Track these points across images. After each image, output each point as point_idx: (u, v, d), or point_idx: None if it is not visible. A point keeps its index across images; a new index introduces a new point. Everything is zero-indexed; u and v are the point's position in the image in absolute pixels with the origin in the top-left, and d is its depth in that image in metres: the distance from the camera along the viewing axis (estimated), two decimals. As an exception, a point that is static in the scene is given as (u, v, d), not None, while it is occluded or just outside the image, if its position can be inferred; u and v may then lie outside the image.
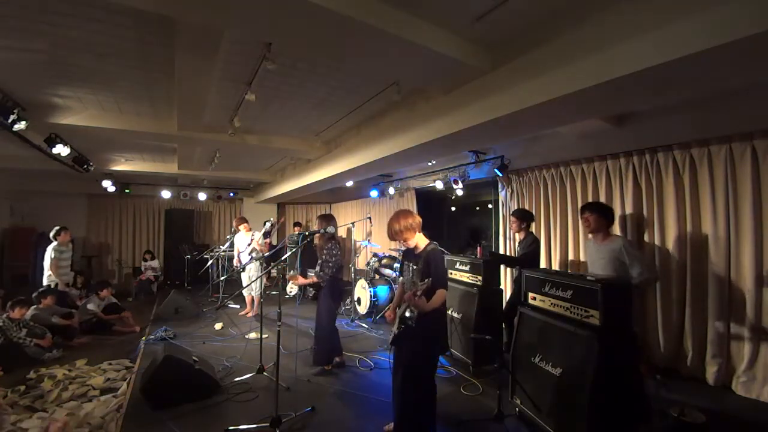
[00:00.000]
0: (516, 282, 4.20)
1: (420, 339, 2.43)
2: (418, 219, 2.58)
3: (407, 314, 2.45)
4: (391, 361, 2.66)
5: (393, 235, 2.56)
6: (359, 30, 2.39)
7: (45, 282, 5.48)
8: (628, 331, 2.42)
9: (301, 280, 4.18)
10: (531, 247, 4.06)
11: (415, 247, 2.58)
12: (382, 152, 4.71)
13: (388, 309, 2.77)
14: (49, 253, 5.52)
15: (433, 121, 3.80)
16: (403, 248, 2.75)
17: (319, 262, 3.97)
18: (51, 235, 5.70)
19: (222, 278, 7.33)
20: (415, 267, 2.50)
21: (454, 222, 8.09)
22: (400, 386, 2.49)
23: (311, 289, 4.15)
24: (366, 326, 5.62)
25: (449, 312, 4.21)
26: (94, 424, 2.93)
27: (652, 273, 3.26)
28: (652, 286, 3.74)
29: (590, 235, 3.53)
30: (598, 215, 3.29)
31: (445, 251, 4.47)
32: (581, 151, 4.55)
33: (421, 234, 2.61)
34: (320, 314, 3.98)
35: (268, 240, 6.37)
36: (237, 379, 3.70)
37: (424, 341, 2.44)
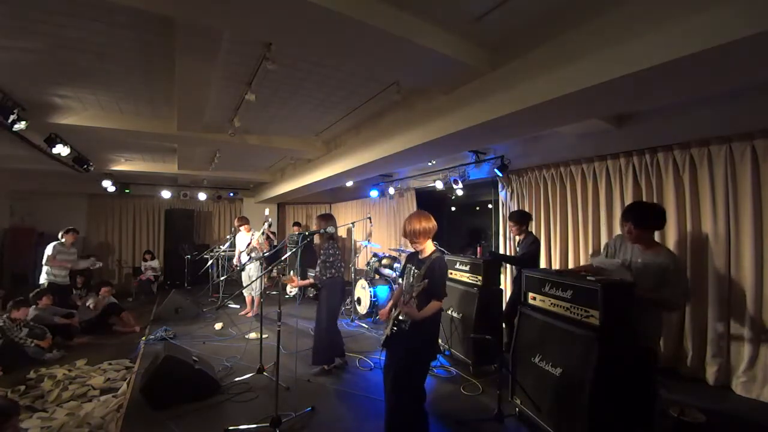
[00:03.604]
0: (516, 282, 4.20)
1: (412, 343, 2.41)
2: (435, 225, 2.55)
3: (401, 317, 2.44)
4: (383, 361, 2.65)
5: (410, 233, 2.51)
6: (359, 30, 2.39)
7: (42, 280, 5.47)
8: (628, 331, 2.42)
9: (298, 282, 4.22)
10: (531, 248, 4.05)
11: (422, 252, 2.57)
12: (382, 152, 4.71)
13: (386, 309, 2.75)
14: (48, 249, 5.47)
15: (433, 121, 3.80)
16: (405, 249, 2.74)
17: (318, 262, 3.97)
18: (59, 234, 5.67)
19: (222, 278, 7.33)
20: (416, 271, 2.49)
21: (454, 222, 8.09)
22: (390, 390, 2.48)
23: (311, 289, 4.18)
24: (366, 326, 5.62)
25: (449, 312, 4.21)
26: (94, 424, 2.93)
27: (681, 300, 2.81)
28: (673, 311, 3.42)
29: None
30: (641, 230, 2.67)
31: (445, 251, 4.48)
32: (581, 151, 4.55)
33: (431, 240, 2.60)
34: (320, 314, 3.98)
35: (266, 241, 6.38)
36: (237, 379, 3.70)
37: (415, 346, 2.42)
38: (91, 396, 3.42)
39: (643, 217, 2.68)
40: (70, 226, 5.89)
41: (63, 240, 5.63)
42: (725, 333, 3.43)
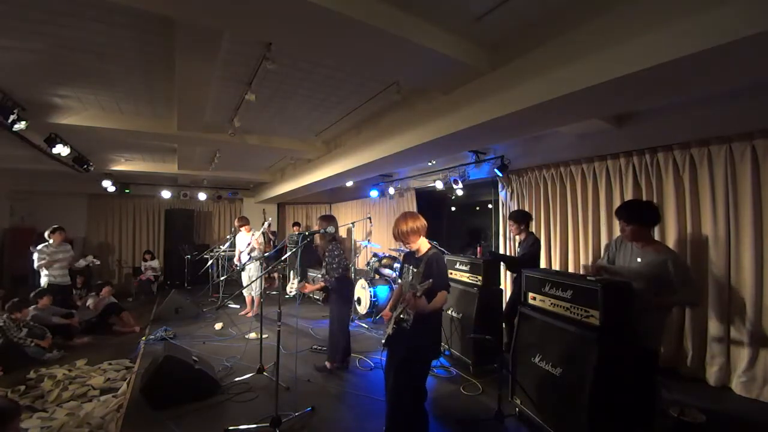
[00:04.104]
0: (516, 282, 4.20)
1: (413, 343, 2.42)
2: (424, 222, 2.57)
3: (403, 316, 2.45)
4: (384, 361, 2.65)
5: (399, 236, 2.55)
6: (359, 30, 2.39)
7: (43, 282, 5.46)
8: (628, 331, 2.42)
9: (310, 287, 4.26)
10: (532, 248, 4.05)
11: (417, 250, 2.58)
12: (382, 152, 4.71)
13: (386, 309, 2.76)
14: (36, 253, 5.38)
15: (433, 121, 3.80)
16: (404, 249, 2.75)
17: (324, 264, 3.98)
18: (46, 234, 5.59)
19: (222, 278, 7.33)
20: (415, 270, 2.50)
21: (454, 222, 8.09)
22: (391, 388, 2.49)
23: (321, 291, 4.21)
24: (366, 326, 5.62)
25: (449, 312, 4.21)
26: (94, 424, 2.93)
27: (699, 297, 2.78)
28: (694, 308, 3.51)
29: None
30: (636, 227, 2.69)
31: (445, 251, 4.47)
32: (581, 151, 4.55)
33: (424, 238, 2.61)
34: (332, 314, 4.01)
35: (268, 244, 6.39)
36: (237, 379, 3.70)
37: (417, 345, 2.43)
38: (91, 396, 3.41)
39: (634, 214, 2.71)
40: (56, 225, 5.71)
41: (51, 241, 5.52)
42: (725, 333, 3.43)
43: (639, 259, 2.71)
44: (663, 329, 2.75)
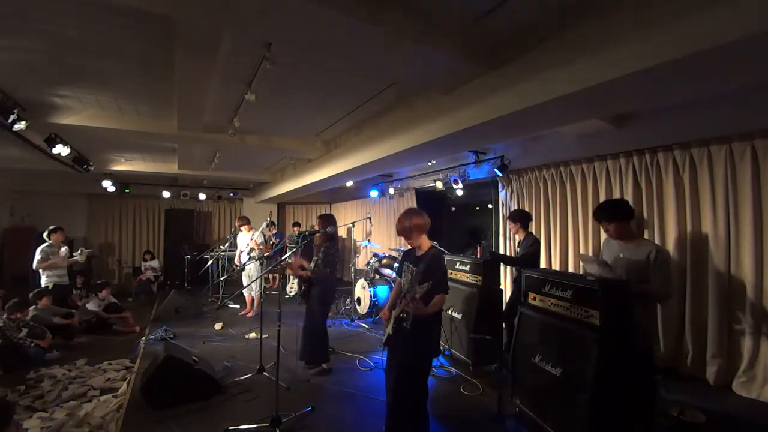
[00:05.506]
0: (516, 282, 4.20)
1: (414, 341, 2.42)
2: (428, 220, 2.57)
3: (403, 315, 2.45)
4: (384, 361, 2.65)
5: (403, 231, 2.54)
6: (359, 31, 2.38)
7: (43, 283, 5.45)
8: (628, 331, 2.42)
9: (295, 265, 4.06)
10: (532, 248, 4.05)
11: (418, 248, 2.58)
12: (382, 152, 4.71)
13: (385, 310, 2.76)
14: (38, 254, 5.33)
15: (433, 121, 3.80)
16: (404, 248, 2.75)
17: (315, 259, 3.97)
18: (44, 234, 5.55)
19: (222, 278, 7.33)
20: (414, 268, 2.49)
21: (454, 222, 8.08)
22: (392, 388, 2.49)
23: (300, 288, 4.16)
24: (366, 326, 5.62)
25: (449, 312, 4.21)
26: (94, 424, 2.93)
27: (670, 290, 2.91)
28: (664, 303, 3.50)
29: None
30: (618, 223, 2.82)
31: (445, 251, 4.47)
32: (581, 151, 4.55)
33: (426, 236, 2.61)
34: (313, 312, 3.97)
35: (267, 247, 6.38)
36: (237, 379, 3.70)
37: (417, 344, 2.43)
38: (91, 396, 3.42)
39: (612, 211, 2.84)
40: (53, 225, 5.67)
41: (51, 241, 5.48)
42: (725, 333, 3.43)
43: (621, 254, 2.79)
44: (656, 325, 2.79)
